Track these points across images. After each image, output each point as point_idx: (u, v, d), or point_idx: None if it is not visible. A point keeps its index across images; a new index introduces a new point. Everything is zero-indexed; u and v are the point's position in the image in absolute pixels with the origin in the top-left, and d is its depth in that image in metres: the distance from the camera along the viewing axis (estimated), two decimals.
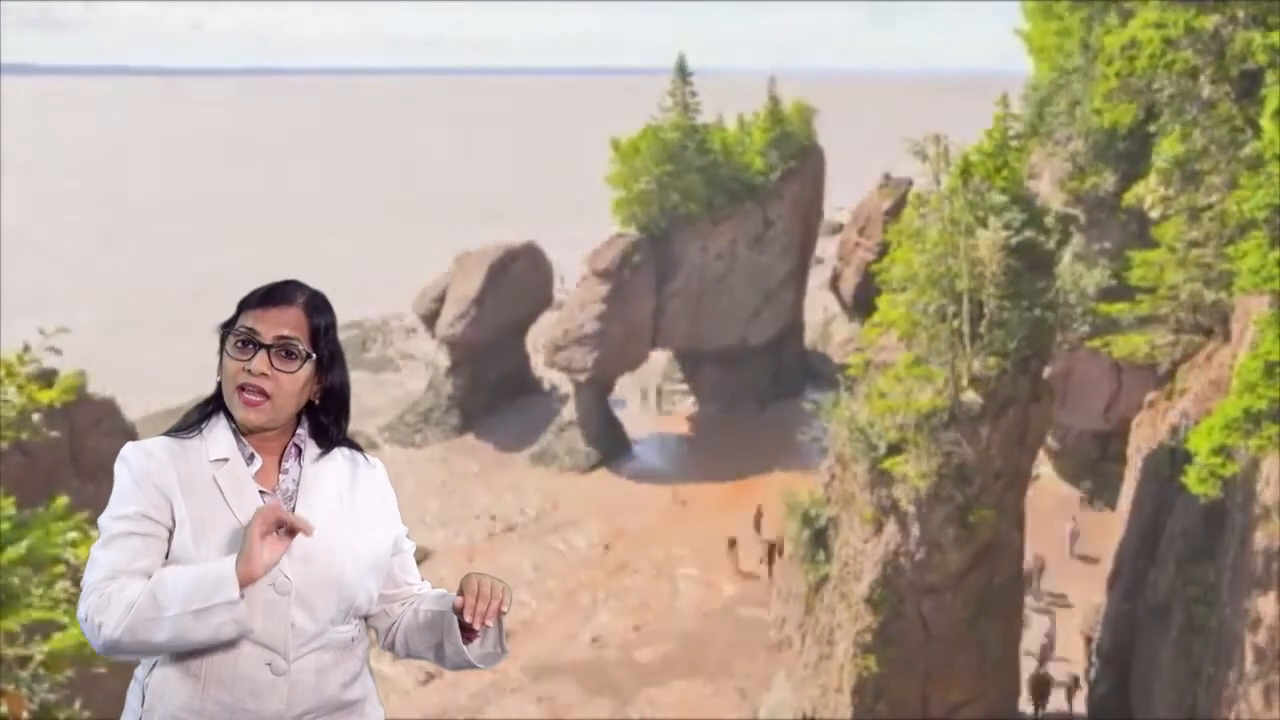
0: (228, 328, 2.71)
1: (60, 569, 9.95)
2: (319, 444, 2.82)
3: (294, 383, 2.69)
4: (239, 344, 2.65)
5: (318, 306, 2.75)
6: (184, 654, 2.61)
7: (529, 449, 51.27)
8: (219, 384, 2.75)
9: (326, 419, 2.83)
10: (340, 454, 2.84)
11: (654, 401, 56.95)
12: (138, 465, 2.63)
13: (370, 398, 56.56)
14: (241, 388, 2.65)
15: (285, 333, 2.67)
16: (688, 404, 56.86)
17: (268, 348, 2.65)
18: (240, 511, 2.63)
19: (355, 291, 76.89)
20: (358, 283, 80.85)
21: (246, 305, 2.71)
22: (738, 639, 35.13)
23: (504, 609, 2.66)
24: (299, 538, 2.63)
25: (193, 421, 2.75)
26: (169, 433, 2.74)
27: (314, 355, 2.71)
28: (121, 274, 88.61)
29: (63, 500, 10.11)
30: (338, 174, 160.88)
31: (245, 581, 2.47)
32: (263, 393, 2.66)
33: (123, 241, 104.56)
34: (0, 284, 67.50)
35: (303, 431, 2.79)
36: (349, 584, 2.70)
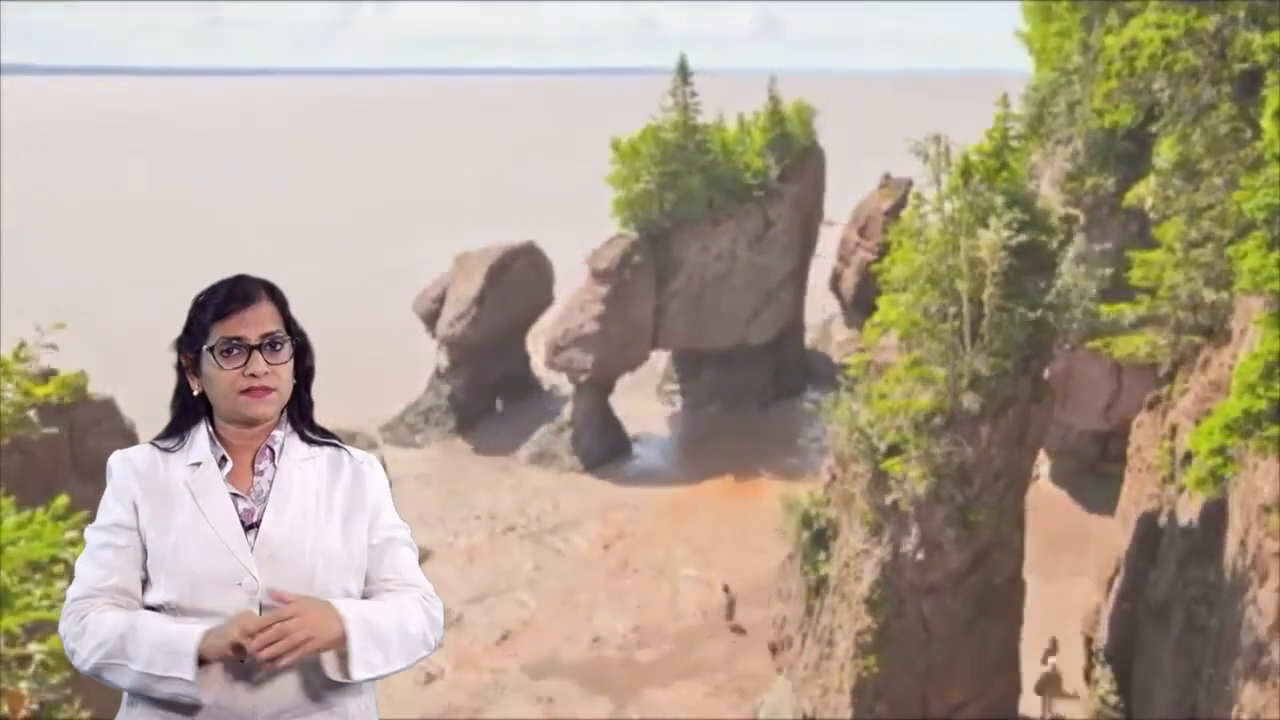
0: (191, 342, 2.74)
1: (60, 569, 9.91)
2: (302, 438, 2.84)
3: (288, 371, 2.75)
4: (224, 353, 2.68)
5: (278, 294, 2.79)
6: None
7: (529, 449, 51.24)
8: (184, 392, 2.79)
9: (304, 404, 2.87)
10: (325, 453, 2.85)
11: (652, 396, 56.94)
12: (118, 476, 2.72)
13: (370, 398, 56.44)
14: (245, 391, 2.70)
15: (268, 329, 2.71)
16: (682, 404, 56.89)
17: (257, 348, 2.69)
18: (209, 514, 2.67)
19: (356, 292, 76.99)
20: (358, 283, 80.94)
21: (213, 317, 2.71)
22: (738, 638, 35.12)
23: (270, 656, 2.48)
24: (264, 534, 2.68)
25: (177, 430, 2.80)
26: (155, 440, 2.80)
27: (294, 340, 2.77)
28: (122, 274, 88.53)
29: (62, 500, 10.07)
30: (336, 175, 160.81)
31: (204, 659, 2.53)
32: (267, 387, 2.71)
33: (122, 241, 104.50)
34: (0, 284, 67.44)
35: (278, 433, 2.81)
36: (318, 584, 2.69)
